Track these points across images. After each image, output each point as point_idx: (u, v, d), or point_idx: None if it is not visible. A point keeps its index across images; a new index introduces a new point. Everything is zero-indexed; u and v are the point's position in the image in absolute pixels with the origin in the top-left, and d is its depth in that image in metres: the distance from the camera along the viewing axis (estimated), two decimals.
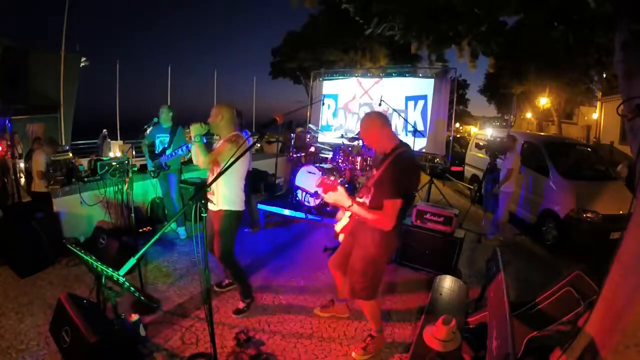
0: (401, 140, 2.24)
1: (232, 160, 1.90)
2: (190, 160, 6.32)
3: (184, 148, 3.76)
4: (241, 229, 3.78)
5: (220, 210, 2.72)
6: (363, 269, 2.26)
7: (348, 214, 2.29)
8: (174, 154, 3.97)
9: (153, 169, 4.22)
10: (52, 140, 4.86)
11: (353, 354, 2.44)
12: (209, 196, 2.70)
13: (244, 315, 2.87)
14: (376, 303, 2.43)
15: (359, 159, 4.76)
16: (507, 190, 4.90)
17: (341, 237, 2.50)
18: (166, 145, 4.17)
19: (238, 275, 2.91)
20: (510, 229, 5.16)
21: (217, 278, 3.32)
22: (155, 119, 4.24)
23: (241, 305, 2.93)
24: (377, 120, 2.21)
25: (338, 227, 2.47)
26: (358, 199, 2.22)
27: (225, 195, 2.70)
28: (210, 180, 2.60)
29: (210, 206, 2.76)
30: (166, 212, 4.69)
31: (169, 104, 4.43)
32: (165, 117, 4.24)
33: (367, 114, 2.34)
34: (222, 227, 2.72)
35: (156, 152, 4.25)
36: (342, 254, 2.52)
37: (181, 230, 4.50)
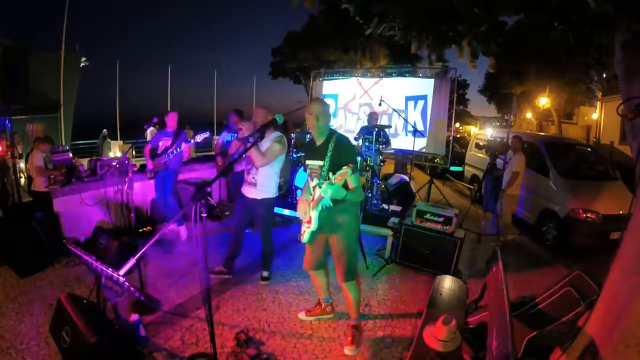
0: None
1: (236, 157, 2.36)
2: (191, 160, 6.32)
3: (183, 145, 3.88)
4: None
5: (262, 198, 3.18)
6: (350, 247, 2.41)
7: (319, 207, 2.27)
8: (174, 151, 4.00)
9: (151, 169, 4.22)
10: (48, 138, 4.86)
11: (345, 351, 2.46)
12: (250, 186, 3.18)
13: (244, 314, 2.88)
14: (359, 281, 2.58)
15: (358, 158, 4.76)
16: (510, 192, 4.89)
17: (306, 236, 2.41)
18: (169, 146, 4.19)
19: (271, 251, 3.40)
20: (511, 230, 5.15)
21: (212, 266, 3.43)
22: (155, 119, 4.25)
23: (266, 273, 3.44)
24: (325, 107, 2.45)
25: (314, 224, 2.34)
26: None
27: (269, 185, 3.17)
28: (246, 177, 3.23)
29: (253, 193, 3.18)
30: (161, 212, 4.69)
31: (169, 103, 4.49)
32: (172, 122, 4.34)
33: (315, 99, 2.55)
34: (266, 213, 3.24)
35: (158, 152, 4.26)
36: (317, 249, 2.57)
37: (182, 230, 4.51)
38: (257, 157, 2.95)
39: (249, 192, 3.21)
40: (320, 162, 2.33)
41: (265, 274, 3.44)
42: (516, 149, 4.97)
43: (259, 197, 3.18)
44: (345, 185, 2.21)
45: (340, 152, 2.30)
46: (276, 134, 3.14)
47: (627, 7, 2.10)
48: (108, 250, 3.53)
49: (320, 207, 2.28)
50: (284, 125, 7.44)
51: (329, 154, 2.29)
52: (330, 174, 2.10)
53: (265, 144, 3.05)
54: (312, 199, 2.32)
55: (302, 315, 2.88)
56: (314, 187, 2.34)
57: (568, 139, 7.89)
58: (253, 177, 3.15)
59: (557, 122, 18.95)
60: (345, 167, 2.05)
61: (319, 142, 2.42)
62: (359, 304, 2.59)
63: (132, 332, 2.42)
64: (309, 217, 2.34)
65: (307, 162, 2.45)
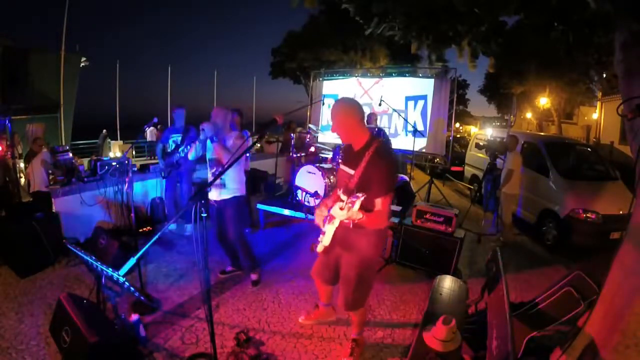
0: (372, 132, 2.16)
1: (234, 158, 2.15)
2: (199, 160, 6.32)
3: (196, 142, 3.88)
4: None
5: (233, 196, 3.10)
6: (360, 276, 2.16)
7: (336, 222, 1.99)
8: (186, 149, 4.00)
9: (164, 168, 4.22)
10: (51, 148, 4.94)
11: None
12: (219, 187, 3.07)
13: (244, 314, 2.87)
14: (365, 307, 2.40)
15: None
16: (509, 191, 4.89)
17: (320, 248, 2.16)
18: (179, 144, 4.19)
19: (249, 252, 3.29)
20: (511, 230, 5.15)
21: (220, 267, 3.52)
22: (155, 119, 4.24)
23: (254, 277, 3.34)
24: (355, 107, 2.04)
25: (327, 240, 2.05)
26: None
27: (237, 183, 3.12)
28: (211, 179, 2.87)
29: (221, 195, 3.09)
30: (166, 211, 4.69)
31: (169, 103, 4.50)
32: (180, 118, 4.36)
33: (342, 99, 2.15)
34: (238, 212, 3.15)
35: (169, 150, 4.26)
36: (329, 265, 2.35)
37: (188, 227, 4.50)
38: (223, 154, 2.95)
39: (218, 195, 3.10)
40: (352, 172, 2.04)
41: (254, 277, 3.33)
42: (512, 148, 4.99)
43: (229, 197, 3.10)
44: (367, 208, 1.92)
45: (373, 167, 1.94)
46: (236, 131, 3.20)
47: (626, 7, 2.10)
48: (108, 250, 3.53)
49: (337, 223, 2.00)
50: (286, 125, 7.47)
51: (362, 164, 1.97)
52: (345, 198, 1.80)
53: (228, 141, 3.04)
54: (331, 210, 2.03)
55: (302, 320, 2.84)
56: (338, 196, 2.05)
57: (568, 139, 7.88)
58: (221, 178, 3.06)
59: (557, 122, 18.96)
60: (361, 194, 1.72)
61: (356, 147, 2.09)
62: (363, 324, 2.48)
63: (132, 332, 2.42)
64: (324, 230, 2.08)
65: (342, 166, 2.19)
